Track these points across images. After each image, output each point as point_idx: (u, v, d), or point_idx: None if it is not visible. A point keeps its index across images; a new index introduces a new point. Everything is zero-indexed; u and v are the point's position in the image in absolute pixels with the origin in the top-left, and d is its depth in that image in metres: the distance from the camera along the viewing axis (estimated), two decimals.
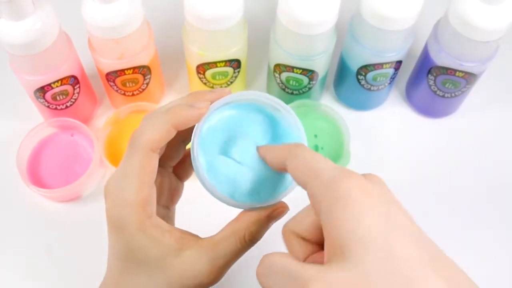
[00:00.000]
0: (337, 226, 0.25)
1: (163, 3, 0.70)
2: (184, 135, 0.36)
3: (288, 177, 0.34)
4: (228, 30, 0.52)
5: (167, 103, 0.34)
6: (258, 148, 0.34)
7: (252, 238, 0.33)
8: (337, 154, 0.58)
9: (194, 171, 0.34)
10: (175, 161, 0.38)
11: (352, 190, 0.25)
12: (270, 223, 0.34)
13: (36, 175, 0.57)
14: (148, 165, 0.32)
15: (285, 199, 0.34)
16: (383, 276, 0.23)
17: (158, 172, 0.37)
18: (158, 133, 0.32)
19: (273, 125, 0.35)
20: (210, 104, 0.33)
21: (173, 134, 0.33)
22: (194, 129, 0.33)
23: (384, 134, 0.63)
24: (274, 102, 0.34)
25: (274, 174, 0.34)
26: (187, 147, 0.38)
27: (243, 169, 0.34)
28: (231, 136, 0.34)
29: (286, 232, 0.32)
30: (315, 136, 0.60)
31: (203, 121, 0.33)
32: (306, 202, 0.29)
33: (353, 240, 0.24)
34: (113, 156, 0.58)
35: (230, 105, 0.35)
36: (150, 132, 0.32)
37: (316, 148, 0.59)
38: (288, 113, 0.34)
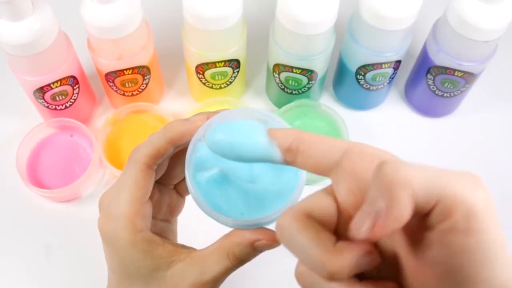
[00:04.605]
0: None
1: (162, 3, 0.70)
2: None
3: (281, 198, 0.32)
4: (227, 30, 0.52)
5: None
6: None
7: (235, 259, 0.32)
8: None
9: (186, 184, 0.33)
10: (177, 180, 0.38)
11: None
12: (255, 251, 0.32)
13: (35, 175, 0.58)
14: (142, 181, 0.33)
15: None
16: None
17: (158, 189, 0.37)
18: (153, 149, 0.33)
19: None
20: (207, 119, 0.33)
21: (169, 149, 0.33)
22: (190, 144, 0.33)
23: (383, 133, 0.63)
24: (265, 115, 0.32)
25: (267, 194, 0.32)
26: None
27: (235, 186, 0.33)
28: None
29: (301, 217, 0.25)
30: None
31: (198, 137, 0.32)
32: None
33: None
34: (113, 157, 0.58)
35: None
36: (145, 148, 0.33)
37: None
38: (278, 124, 0.32)
